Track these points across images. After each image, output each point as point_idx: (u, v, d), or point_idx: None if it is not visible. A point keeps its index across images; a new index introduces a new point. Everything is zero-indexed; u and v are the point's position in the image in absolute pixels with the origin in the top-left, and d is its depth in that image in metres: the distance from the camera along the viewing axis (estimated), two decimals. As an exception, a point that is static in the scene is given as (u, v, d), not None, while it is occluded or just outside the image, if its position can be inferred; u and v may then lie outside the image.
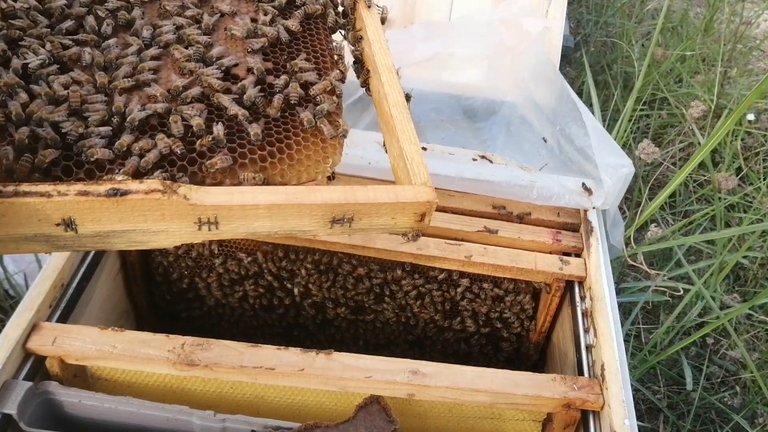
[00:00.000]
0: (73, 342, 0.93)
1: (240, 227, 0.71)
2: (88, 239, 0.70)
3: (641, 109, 2.46)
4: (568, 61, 2.81)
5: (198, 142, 0.77)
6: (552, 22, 1.60)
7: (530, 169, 1.27)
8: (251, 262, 1.21)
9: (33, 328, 0.94)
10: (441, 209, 1.22)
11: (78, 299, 1.05)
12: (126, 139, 0.74)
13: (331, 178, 0.87)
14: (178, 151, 0.75)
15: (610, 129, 2.12)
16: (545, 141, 1.45)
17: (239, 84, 0.84)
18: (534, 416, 1.06)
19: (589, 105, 2.54)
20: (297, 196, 0.71)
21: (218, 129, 0.78)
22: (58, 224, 0.67)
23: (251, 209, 0.69)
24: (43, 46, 0.82)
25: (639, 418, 1.69)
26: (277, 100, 0.84)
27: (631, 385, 1.00)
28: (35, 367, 0.94)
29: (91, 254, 1.10)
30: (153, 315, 1.33)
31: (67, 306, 1.02)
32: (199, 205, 0.67)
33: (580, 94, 2.63)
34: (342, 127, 0.85)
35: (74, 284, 1.05)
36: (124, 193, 0.66)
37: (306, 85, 0.88)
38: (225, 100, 0.81)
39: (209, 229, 0.70)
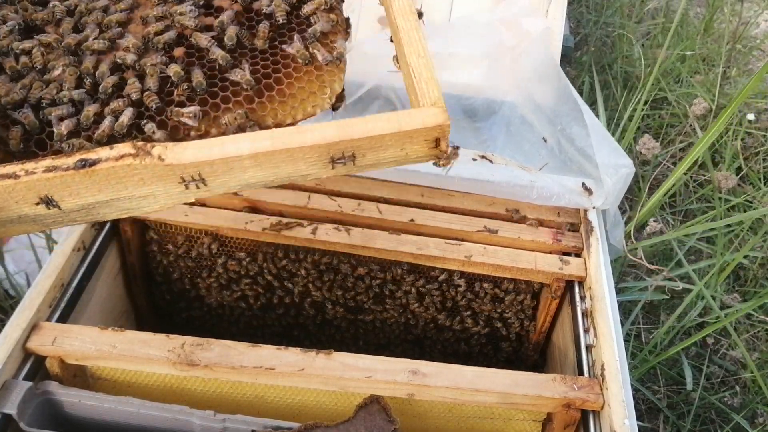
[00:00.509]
0: (73, 342, 0.93)
1: (230, 181, 0.66)
2: (75, 213, 0.66)
3: (641, 109, 2.46)
4: (568, 61, 2.81)
5: (176, 92, 0.71)
6: (552, 22, 1.60)
7: (530, 169, 1.27)
8: (251, 262, 1.21)
9: (33, 328, 0.94)
10: (441, 209, 1.22)
11: (78, 299, 1.05)
12: (91, 109, 0.69)
13: (335, 109, 0.79)
14: (153, 106, 0.69)
15: (612, 129, 2.13)
16: (545, 141, 1.45)
17: (218, 20, 0.75)
18: (534, 416, 1.06)
19: (590, 104, 2.54)
20: (284, 139, 0.64)
21: (197, 75, 0.71)
22: (37, 203, 0.64)
23: (235, 161, 0.63)
24: (16, 12, 0.77)
25: (639, 418, 1.69)
26: (263, 28, 0.75)
27: (631, 385, 1.00)
28: (35, 367, 0.94)
29: (91, 254, 1.10)
30: (153, 315, 1.33)
31: (67, 306, 1.02)
32: (177, 164, 0.62)
33: (579, 94, 2.63)
34: (337, 50, 0.76)
35: (74, 284, 1.05)
36: (93, 162, 0.62)
37: (296, 3, 0.79)
38: (203, 40, 0.74)
39: (198, 187, 0.65)
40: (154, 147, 0.63)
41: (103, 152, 0.63)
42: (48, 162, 0.62)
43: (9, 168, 0.62)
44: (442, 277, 1.22)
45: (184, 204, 1.16)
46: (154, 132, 0.68)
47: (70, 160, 0.62)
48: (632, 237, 1.49)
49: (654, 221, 1.86)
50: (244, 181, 0.66)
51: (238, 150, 0.63)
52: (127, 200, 0.66)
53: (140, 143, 0.64)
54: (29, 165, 0.62)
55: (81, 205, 0.66)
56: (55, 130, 0.68)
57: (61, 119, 0.69)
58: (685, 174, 2.25)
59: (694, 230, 1.75)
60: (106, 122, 0.68)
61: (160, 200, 0.67)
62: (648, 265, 1.33)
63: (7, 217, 0.65)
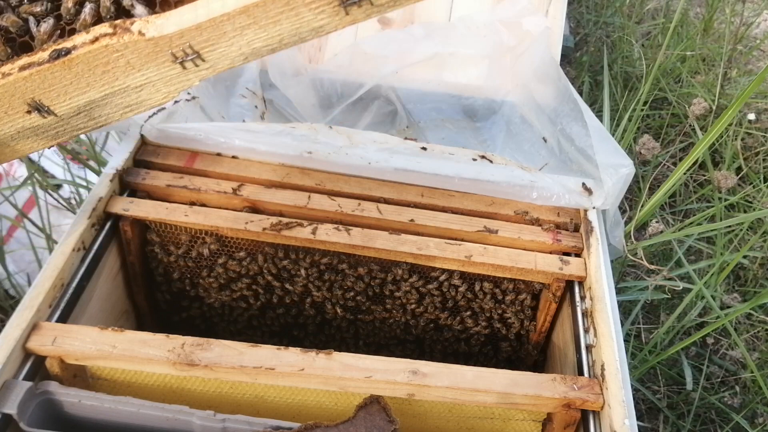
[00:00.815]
0: (73, 342, 0.93)
1: (230, 50, 0.56)
2: (75, 119, 0.60)
3: (641, 109, 2.47)
4: (568, 61, 2.81)
5: None
6: (552, 22, 1.60)
7: (530, 168, 1.27)
8: (251, 262, 1.21)
9: (33, 328, 0.94)
10: (441, 209, 1.22)
11: (78, 299, 1.05)
12: None
13: None
14: None
15: (612, 129, 2.13)
16: (545, 141, 1.45)
17: None
18: (534, 416, 1.06)
19: (590, 104, 2.54)
20: None
21: None
22: (28, 111, 0.58)
23: (225, 21, 0.54)
24: None
25: (639, 418, 1.69)
26: None
27: (631, 385, 1.00)
28: (35, 367, 0.94)
29: (91, 254, 1.10)
30: (153, 315, 1.33)
31: (67, 306, 1.02)
32: (161, 36, 0.54)
33: (579, 94, 2.63)
34: None
35: (74, 284, 1.05)
36: (68, 51, 0.55)
37: None
38: None
39: (196, 65, 0.57)
40: (133, 23, 0.55)
41: (78, 38, 0.55)
42: (23, 60, 0.56)
43: None
44: (442, 277, 1.22)
45: (184, 204, 1.17)
46: (132, 5, 0.60)
47: (45, 54, 0.56)
48: (632, 237, 1.49)
49: (655, 222, 1.86)
50: (247, 48, 0.56)
51: (224, 6, 0.54)
52: (123, 94, 0.59)
53: (119, 21, 0.56)
54: (5, 67, 0.56)
55: (76, 108, 0.59)
56: (34, 33, 0.62)
57: (39, 19, 0.62)
58: (685, 174, 2.25)
59: (694, 231, 1.75)
60: (87, 9, 0.61)
61: (161, 88, 0.59)
62: (648, 264, 1.33)
63: (5, 133, 0.59)
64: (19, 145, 0.61)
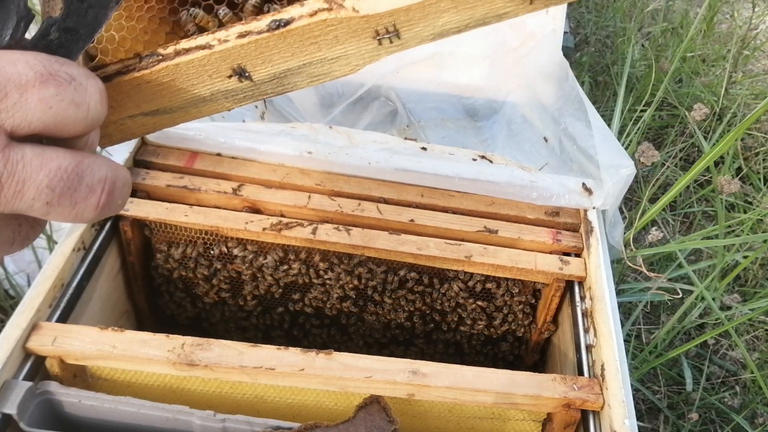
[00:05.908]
0: (72, 342, 0.93)
1: (424, 30, 0.60)
2: (266, 85, 0.63)
3: (642, 109, 2.47)
4: (569, 61, 2.81)
5: None
6: (552, 22, 1.60)
7: (530, 168, 1.27)
8: (251, 262, 1.21)
9: (33, 328, 0.94)
10: (441, 209, 1.22)
11: (78, 299, 1.05)
12: None
13: None
14: None
15: (612, 129, 2.12)
16: (546, 141, 1.45)
17: None
18: (534, 416, 1.06)
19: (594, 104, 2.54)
20: None
21: None
22: (230, 76, 0.61)
23: (432, 5, 0.58)
24: None
25: (639, 418, 1.69)
26: None
27: (632, 385, 1.00)
28: (35, 367, 0.94)
29: (91, 254, 1.10)
30: (153, 315, 1.33)
31: (67, 306, 1.02)
32: (373, 14, 0.58)
33: (579, 94, 2.63)
34: None
35: (74, 284, 1.05)
36: (287, 22, 0.58)
37: None
38: None
39: (391, 42, 0.61)
40: None
41: (294, 11, 0.58)
42: (239, 28, 0.59)
43: (202, 39, 0.59)
44: (443, 277, 1.22)
45: (184, 204, 1.17)
46: None
47: (263, 23, 0.59)
48: (632, 245, 1.49)
49: (654, 230, 1.86)
50: (439, 29, 0.61)
51: None
52: (318, 64, 0.62)
53: None
54: (220, 33, 0.59)
55: (273, 75, 0.62)
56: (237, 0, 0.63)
57: None
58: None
59: (692, 246, 1.75)
60: None
61: (352, 61, 0.62)
62: (647, 272, 1.33)
63: (199, 95, 0.60)
64: (207, 107, 0.62)
